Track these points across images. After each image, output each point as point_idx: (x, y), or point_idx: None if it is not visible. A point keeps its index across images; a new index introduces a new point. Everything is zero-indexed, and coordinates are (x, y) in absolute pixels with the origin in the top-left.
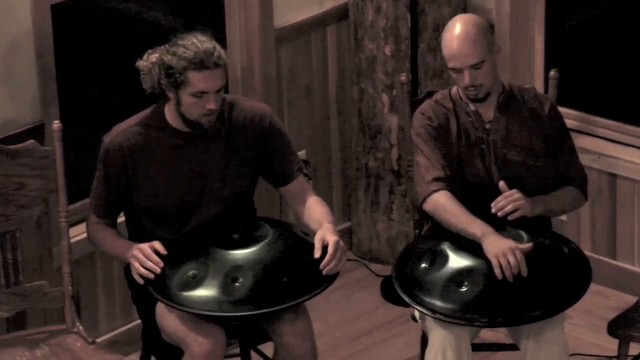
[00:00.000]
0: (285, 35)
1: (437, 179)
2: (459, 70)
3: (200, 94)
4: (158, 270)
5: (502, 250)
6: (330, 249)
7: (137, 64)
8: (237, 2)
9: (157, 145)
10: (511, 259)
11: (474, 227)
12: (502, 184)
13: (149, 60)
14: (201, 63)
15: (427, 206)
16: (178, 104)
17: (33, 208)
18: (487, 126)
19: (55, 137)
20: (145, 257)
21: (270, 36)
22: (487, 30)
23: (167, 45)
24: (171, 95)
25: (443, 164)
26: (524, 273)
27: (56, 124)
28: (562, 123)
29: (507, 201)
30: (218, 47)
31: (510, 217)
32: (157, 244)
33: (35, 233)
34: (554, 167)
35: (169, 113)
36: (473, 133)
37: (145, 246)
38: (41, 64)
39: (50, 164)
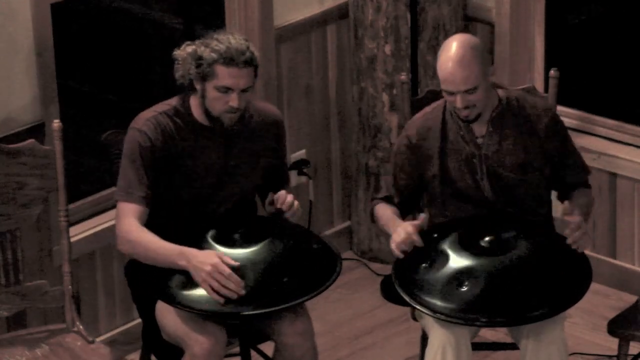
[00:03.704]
0: (286, 35)
1: (385, 198)
2: (451, 93)
3: (225, 89)
4: (242, 292)
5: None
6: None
7: (173, 53)
8: (237, 2)
9: (179, 137)
10: None
11: (391, 226)
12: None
13: (185, 50)
14: (230, 58)
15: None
16: (203, 96)
17: (33, 207)
18: (479, 141)
19: (56, 136)
20: (226, 278)
21: (270, 36)
22: (482, 55)
23: (203, 39)
24: (198, 86)
25: (395, 191)
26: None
27: (56, 123)
28: (562, 137)
29: (580, 234)
30: (252, 48)
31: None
32: (228, 259)
33: (35, 232)
34: (557, 179)
35: (194, 106)
36: (464, 148)
37: (220, 264)
38: (41, 63)
39: (50, 164)
